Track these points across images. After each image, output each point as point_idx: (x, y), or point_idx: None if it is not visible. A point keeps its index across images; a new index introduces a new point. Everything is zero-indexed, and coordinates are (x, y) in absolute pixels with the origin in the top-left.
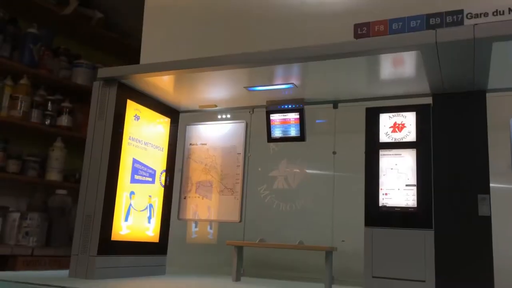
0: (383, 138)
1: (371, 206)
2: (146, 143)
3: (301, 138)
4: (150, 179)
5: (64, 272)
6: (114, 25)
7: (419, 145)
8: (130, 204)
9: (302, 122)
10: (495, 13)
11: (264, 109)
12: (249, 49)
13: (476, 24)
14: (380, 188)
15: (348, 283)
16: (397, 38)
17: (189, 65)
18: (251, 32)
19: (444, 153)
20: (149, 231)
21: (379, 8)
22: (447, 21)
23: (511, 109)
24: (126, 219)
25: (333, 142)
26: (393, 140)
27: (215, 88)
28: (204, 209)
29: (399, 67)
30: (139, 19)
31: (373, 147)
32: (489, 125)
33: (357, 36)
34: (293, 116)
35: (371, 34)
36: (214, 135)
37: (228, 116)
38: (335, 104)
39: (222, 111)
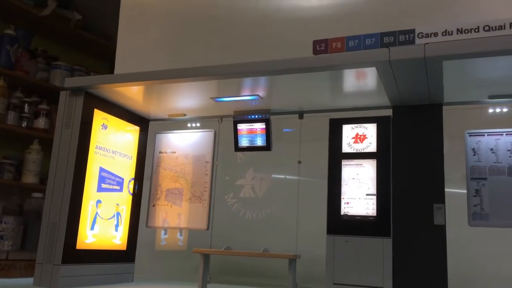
0: (346, 148)
1: (333, 215)
2: (114, 152)
3: (267, 147)
4: (117, 187)
5: (31, 280)
6: (93, 26)
7: (379, 155)
8: (97, 213)
9: (268, 132)
10: (444, 33)
11: (232, 119)
12: (225, 56)
13: (427, 43)
14: (342, 197)
15: None
16: (353, 55)
17: (157, 77)
18: (227, 39)
19: (403, 163)
20: (116, 239)
21: (357, 13)
22: (400, 39)
23: (466, 121)
24: (92, 228)
25: (299, 151)
26: (355, 151)
27: (184, 98)
28: (173, 216)
29: (360, 81)
30: (118, 21)
31: (336, 157)
32: (445, 136)
33: (316, 52)
34: (260, 126)
35: (329, 51)
36: (184, 144)
37: (198, 125)
38: (301, 114)
39: (191, 120)
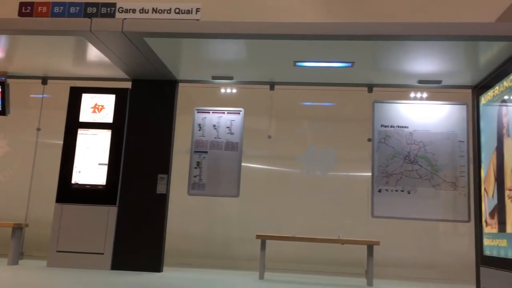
0: (84, 117)
1: (64, 183)
2: None
3: (2, 112)
4: None
5: None
6: None
7: (114, 126)
8: None
9: (3, 95)
10: (141, 11)
11: None
12: None
13: (126, 18)
14: (74, 166)
15: (36, 258)
16: (57, 22)
17: None
18: None
19: (135, 135)
20: None
21: None
22: (102, 12)
23: (204, 99)
24: None
25: (39, 117)
26: (92, 120)
27: None
28: None
29: (94, 50)
30: None
31: (73, 125)
32: (182, 112)
33: (21, 14)
34: None
35: (34, 15)
36: None
37: None
38: (44, 80)
39: None
